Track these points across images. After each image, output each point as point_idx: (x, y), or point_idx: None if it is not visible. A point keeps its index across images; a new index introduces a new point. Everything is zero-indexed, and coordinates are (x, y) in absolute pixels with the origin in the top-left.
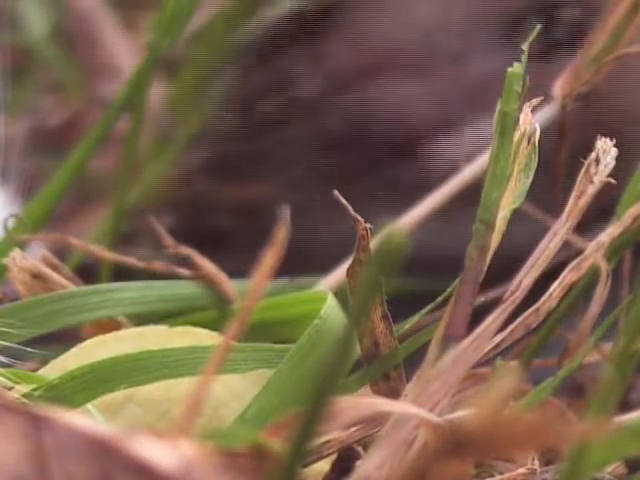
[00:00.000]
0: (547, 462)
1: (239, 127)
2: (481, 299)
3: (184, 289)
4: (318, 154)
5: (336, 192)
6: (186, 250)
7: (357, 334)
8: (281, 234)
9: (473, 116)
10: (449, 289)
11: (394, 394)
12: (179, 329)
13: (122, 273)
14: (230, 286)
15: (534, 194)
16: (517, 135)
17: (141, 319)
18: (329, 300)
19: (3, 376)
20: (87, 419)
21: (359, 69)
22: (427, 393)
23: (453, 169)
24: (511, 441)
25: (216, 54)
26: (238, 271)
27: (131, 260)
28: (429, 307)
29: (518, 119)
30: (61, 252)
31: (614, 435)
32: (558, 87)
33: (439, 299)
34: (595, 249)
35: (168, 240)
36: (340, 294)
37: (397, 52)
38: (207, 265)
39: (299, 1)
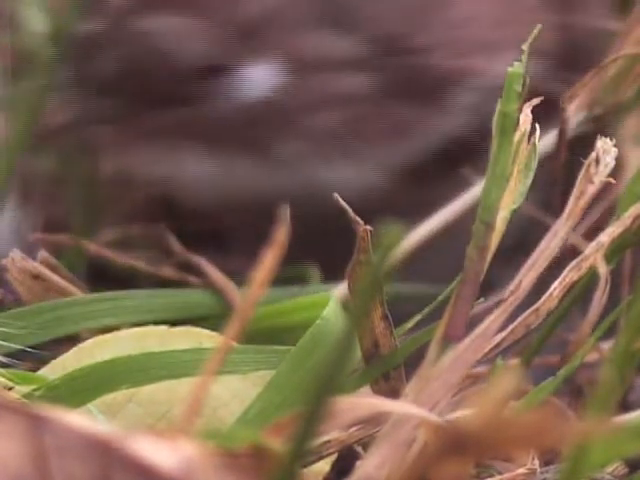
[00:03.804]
0: (547, 462)
1: None
2: (481, 299)
3: (189, 297)
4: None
5: (336, 195)
6: (194, 258)
7: (357, 334)
8: (281, 234)
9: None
10: (449, 289)
11: (394, 394)
12: (179, 329)
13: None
14: (236, 295)
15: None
16: (517, 135)
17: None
18: (331, 302)
19: (3, 376)
20: (87, 419)
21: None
22: (427, 393)
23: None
24: (511, 441)
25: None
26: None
27: (140, 264)
28: (429, 307)
29: (518, 119)
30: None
31: (614, 435)
32: (574, 109)
33: (439, 299)
34: (595, 249)
35: (177, 247)
36: None
37: None
38: (214, 273)
39: None
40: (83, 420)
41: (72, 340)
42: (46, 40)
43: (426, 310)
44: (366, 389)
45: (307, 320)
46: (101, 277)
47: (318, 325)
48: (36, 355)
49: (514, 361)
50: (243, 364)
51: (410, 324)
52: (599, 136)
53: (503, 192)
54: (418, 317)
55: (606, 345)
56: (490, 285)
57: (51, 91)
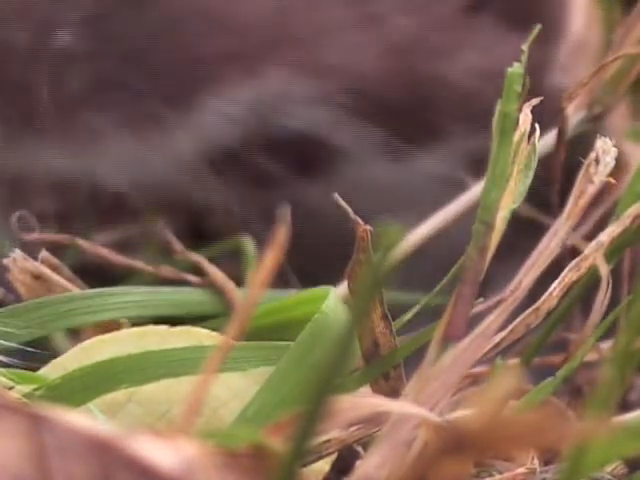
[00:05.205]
0: (547, 462)
1: None
2: (481, 299)
3: (189, 296)
4: None
5: (336, 195)
6: (195, 257)
7: (357, 334)
8: (281, 235)
9: None
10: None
11: (394, 394)
12: (179, 329)
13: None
14: (237, 294)
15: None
16: (517, 135)
17: (143, 321)
18: (330, 295)
19: (3, 376)
20: (87, 419)
21: None
22: (427, 393)
23: None
24: (511, 441)
25: None
26: None
27: (138, 264)
28: (427, 297)
29: (518, 119)
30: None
31: (614, 435)
32: (573, 108)
33: (438, 299)
34: (595, 249)
35: (178, 246)
36: None
37: None
38: (215, 272)
39: None
40: (83, 420)
41: (72, 339)
42: None
43: (423, 300)
44: (366, 389)
45: (307, 315)
46: (102, 278)
47: (317, 319)
48: (36, 355)
49: (514, 361)
50: (243, 361)
51: (408, 315)
52: (599, 136)
53: (503, 192)
54: (417, 308)
55: (606, 345)
56: (486, 283)
57: None
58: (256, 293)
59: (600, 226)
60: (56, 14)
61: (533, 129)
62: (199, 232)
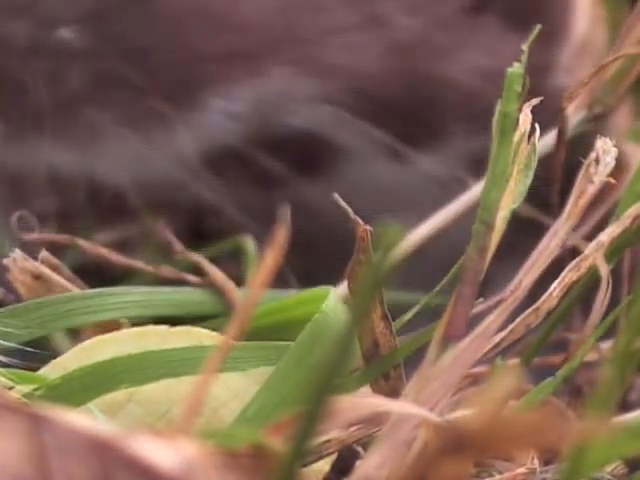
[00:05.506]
0: (547, 462)
1: None
2: (481, 299)
3: (189, 296)
4: None
5: (336, 195)
6: (195, 257)
7: (357, 334)
8: (281, 235)
9: None
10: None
11: (394, 394)
12: (179, 329)
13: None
14: (237, 294)
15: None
16: (517, 135)
17: (143, 321)
18: (330, 295)
19: (3, 376)
20: (87, 419)
21: None
22: (427, 393)
23: None
24: (511, 441)
25: None
26: None
27: (138, 264)
28: (427, 297)
29: (518, 119)
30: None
31: (614, 435)
32: (573, 108)
33: (438, 299)
34: (595, 249)
35: (178, 246)
36: None
37: None
38: (215, 273)
39: None
40: (83, 420)
41: (72, 339)
42: None
43: (423, 300)
44: (366, 389)
45: (307, 315)
46: (101, 278)
47: (317, 319)
48: (36, 355)
49: (514, 361)
50: (243, 361)
51: (408, 315)
52: (599, 136)
53: (503, 192)
54: (417, 308)
55: (606, 345)
56: (486, 283)
57: None
58: (256, 293)
59: (600, 226)
60: (57, 11)
61: (533, 129)
62: (199, 232)
